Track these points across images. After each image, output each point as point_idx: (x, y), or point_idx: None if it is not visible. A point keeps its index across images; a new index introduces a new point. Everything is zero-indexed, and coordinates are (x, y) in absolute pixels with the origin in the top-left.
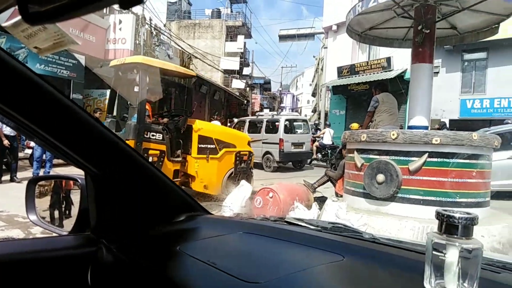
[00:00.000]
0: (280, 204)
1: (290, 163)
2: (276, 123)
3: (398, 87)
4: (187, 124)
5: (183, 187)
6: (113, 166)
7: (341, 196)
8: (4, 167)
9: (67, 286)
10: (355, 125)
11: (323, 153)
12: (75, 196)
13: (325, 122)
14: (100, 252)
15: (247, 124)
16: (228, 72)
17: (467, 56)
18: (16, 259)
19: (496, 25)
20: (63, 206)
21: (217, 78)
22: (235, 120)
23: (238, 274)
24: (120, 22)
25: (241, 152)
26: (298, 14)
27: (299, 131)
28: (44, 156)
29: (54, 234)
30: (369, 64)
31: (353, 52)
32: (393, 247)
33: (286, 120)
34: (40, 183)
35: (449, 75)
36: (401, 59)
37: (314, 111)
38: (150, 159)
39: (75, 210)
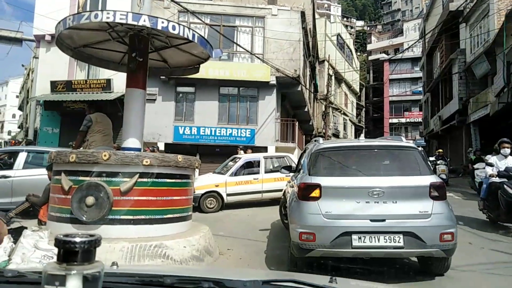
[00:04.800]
0: None
1: None
2: None
3: (118, 109)
4: None
5: None
6: None
7: (45, 223)
8: None
9: None
10: None
11: None
12: None
13: (28, 139)
14: None
15: None
16: None
17: (180, 89)
18: None
19: (197, 66)
20: None
21: None
22: None
23: None
24: None
25: None
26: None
27: None
28: None
29: None
30: (88, 82)
31: (70, 68)
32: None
33: None
34: None
35: (165, 103)
36: (122, 82)
37: (21, 127)
38: None
39: None
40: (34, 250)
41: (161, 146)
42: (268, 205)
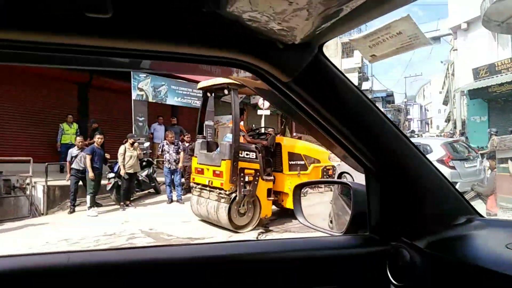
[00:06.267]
0: None
1: None
2: None
3: None
4: (275, 142)
5: (273, 206)
6: (396, 164)
7: (495, 214)
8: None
9: (365, 282)
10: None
11: None
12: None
13: (460, 131)
14: (401, 251)
15: None
16: None
17: None
18: (301, 256)
19: None
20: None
21: None
22: None
23: None
24: None
25: (327, 167)
26: (416, 18)
27: None
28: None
29: (325, 235)
30: None
31: (490, 50)
32: None
33: None
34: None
35: None
36: None
37: (447, 120)
38: (246, 179)
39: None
40: None
41: None
42: None
